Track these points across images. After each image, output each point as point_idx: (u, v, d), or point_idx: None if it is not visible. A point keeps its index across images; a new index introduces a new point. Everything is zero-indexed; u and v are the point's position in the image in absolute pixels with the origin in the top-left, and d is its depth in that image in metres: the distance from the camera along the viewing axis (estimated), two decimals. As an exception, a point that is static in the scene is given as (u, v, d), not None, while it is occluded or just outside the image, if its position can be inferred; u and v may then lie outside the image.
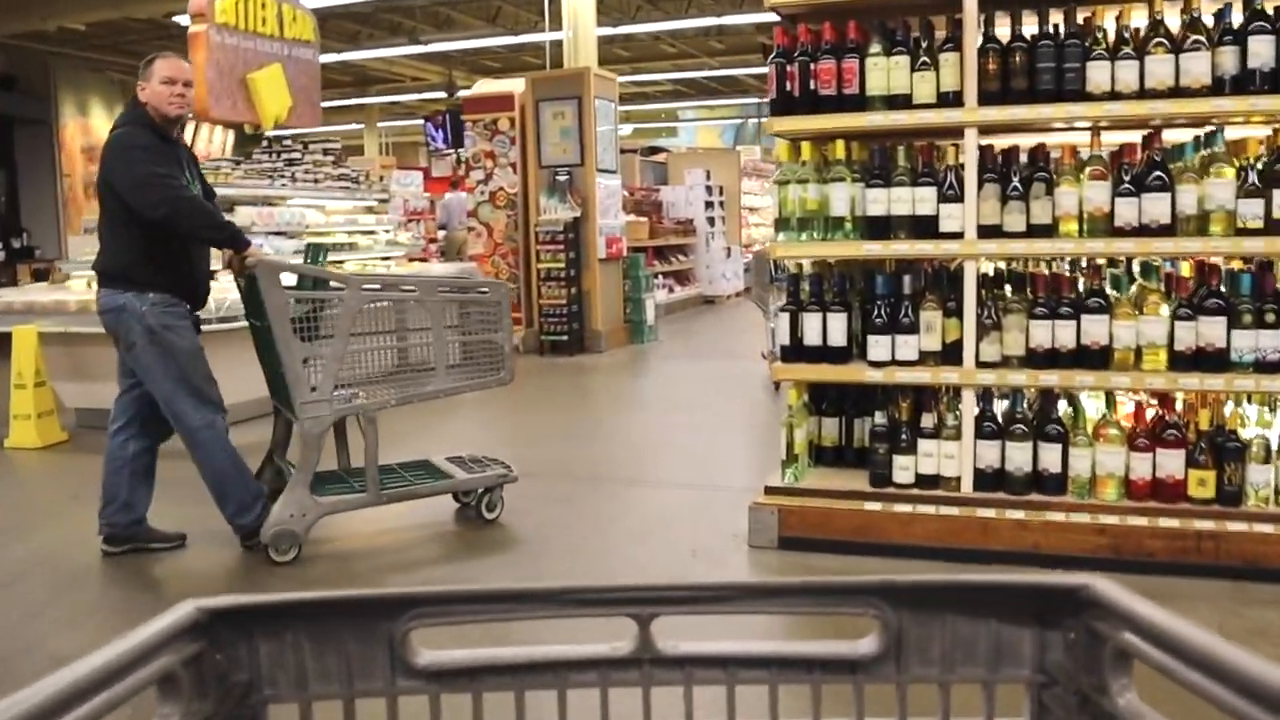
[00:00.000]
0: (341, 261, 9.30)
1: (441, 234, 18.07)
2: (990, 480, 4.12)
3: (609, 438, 7.00)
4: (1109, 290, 4.13)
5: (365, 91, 23.06)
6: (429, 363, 4.43)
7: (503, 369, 4.61)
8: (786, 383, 4.63)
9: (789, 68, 4.45)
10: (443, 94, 21.57)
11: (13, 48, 18.69)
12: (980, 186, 4.10)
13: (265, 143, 9.28)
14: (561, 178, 10.85)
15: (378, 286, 4.66)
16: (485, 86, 11.83)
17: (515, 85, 11.32)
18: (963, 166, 4.17)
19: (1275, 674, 0.55)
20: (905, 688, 0.77)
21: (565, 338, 10.73)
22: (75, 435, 7.09)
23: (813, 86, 4.37)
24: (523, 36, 16.99)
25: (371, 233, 9.86)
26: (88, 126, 20.55)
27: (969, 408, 4.16)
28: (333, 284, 4.40)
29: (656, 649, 0.76)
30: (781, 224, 4.53)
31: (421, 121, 25.25)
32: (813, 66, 4.37)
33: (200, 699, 0.70)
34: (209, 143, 13.35)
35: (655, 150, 20.01)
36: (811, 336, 4.43)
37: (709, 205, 17.40)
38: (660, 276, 14.74)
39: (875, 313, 4.26)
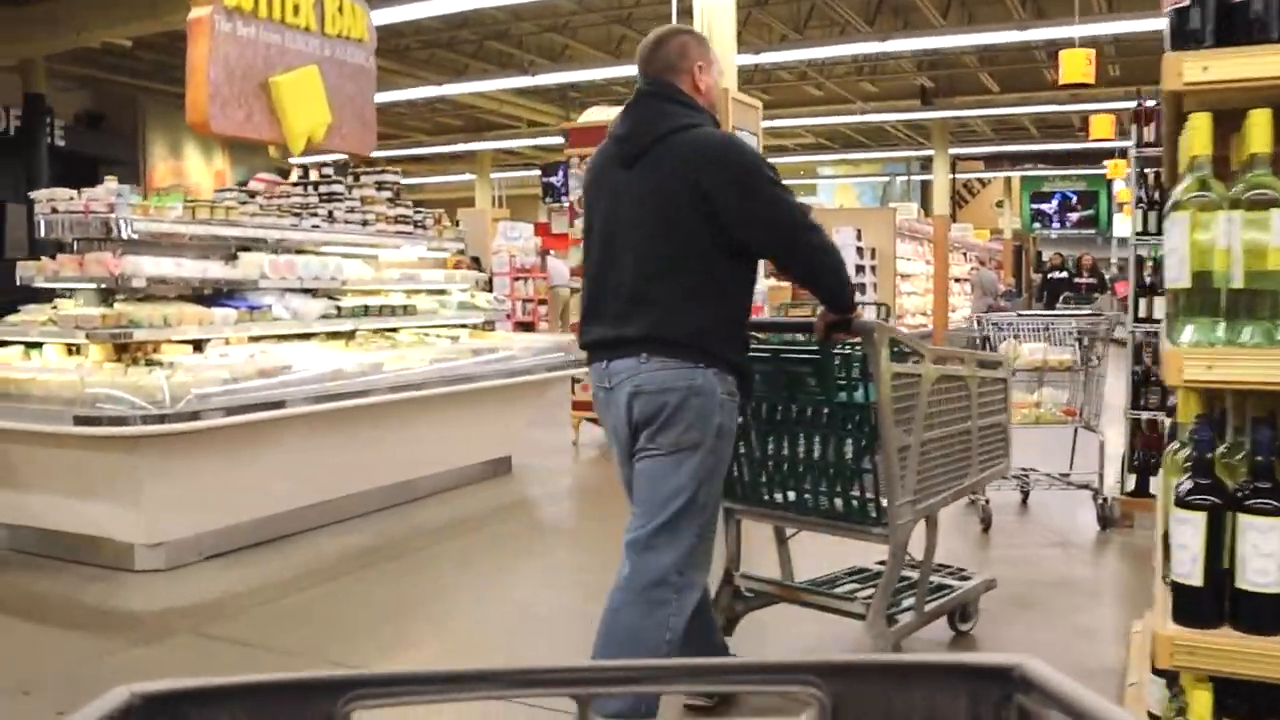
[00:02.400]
0: (394, 330, 6.99)
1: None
2: None
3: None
4: None
5: (478, 137, 21.16)
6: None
7: (1007, 456, 4.01)
8: (1182, 665, 2.05)
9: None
10: (560, 140, 19.46)
11: (99, 83, 17.28)
12: None
13: (301, 171, 7.07)
14: None
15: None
16: (596, 114, 9.51)
17: (634, 111, 8.96)
18: None
19: None
20: None
21: None
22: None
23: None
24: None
25: (440, 293, 7.54)
26: (180, 170, 19.08)
27: None
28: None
29: None
30: (1187, 300, 2.00)
31: (538, 172, 23.41)
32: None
33: None
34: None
35: None
36: (1264, 571, 1.88)
37: (859, 270, 14.89)
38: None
39: None
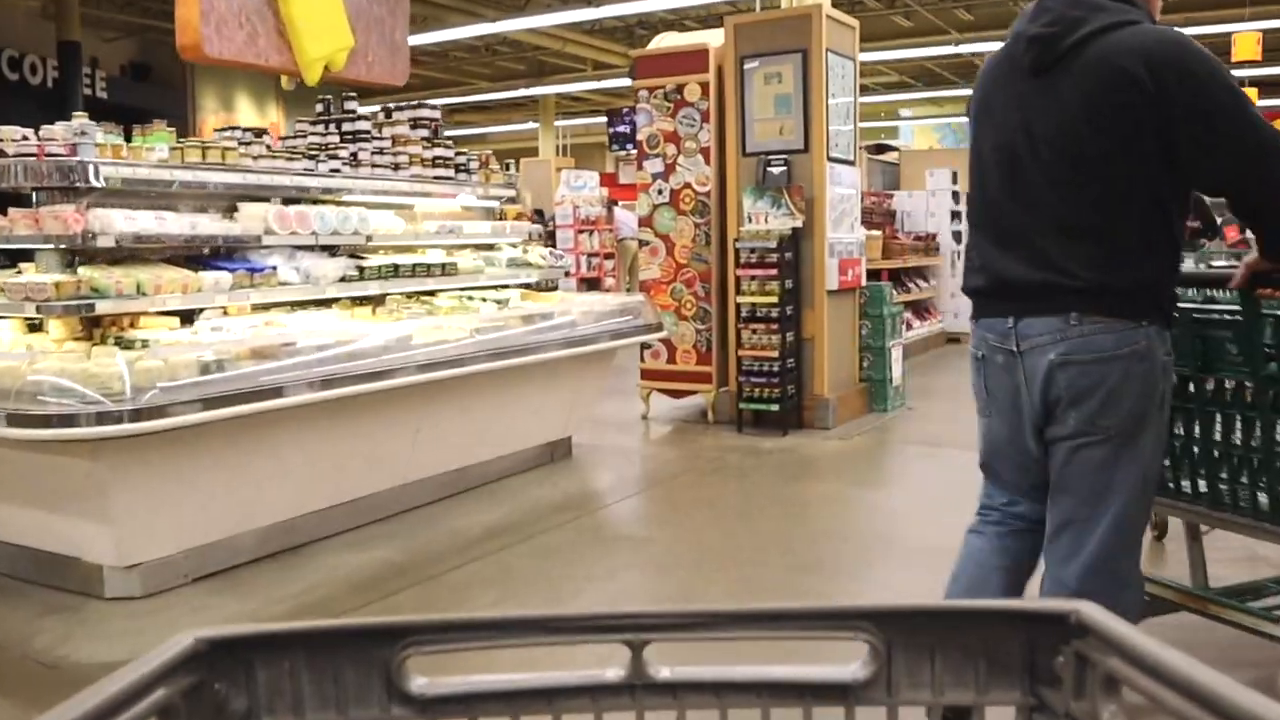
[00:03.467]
0: (432, 293, 5.95)
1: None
2: None
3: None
4: None
5: (540, 81, 19.99)
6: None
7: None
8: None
9: None
10: (628, 81, 18.27)
11: (147, 31, 16.42)
12: None
13: (322, 105, 6.02)
14: (776, 169, 7.22)
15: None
16: (669, 39, 8.33)
17: (711, 37, 7.78)
18: None
19: (1259, 702, 0.55)
20: (896, 711, 0.76)
21: (776, 406, 7.08)
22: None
23: None
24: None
25: (488, 248, 6.48)
26: (232, 123, 18.18)
27: None
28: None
29: (649, 675, 0.75)
30: None
31: (604, 119, 22.17)
32: None
33: None
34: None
35: (883, 148, 16.13)
36: None
37: (955, 216, 13.38)
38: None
39: None
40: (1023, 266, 2.34)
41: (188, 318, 4.63)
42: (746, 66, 7.35)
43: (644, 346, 7.54)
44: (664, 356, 7.78)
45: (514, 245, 6.67)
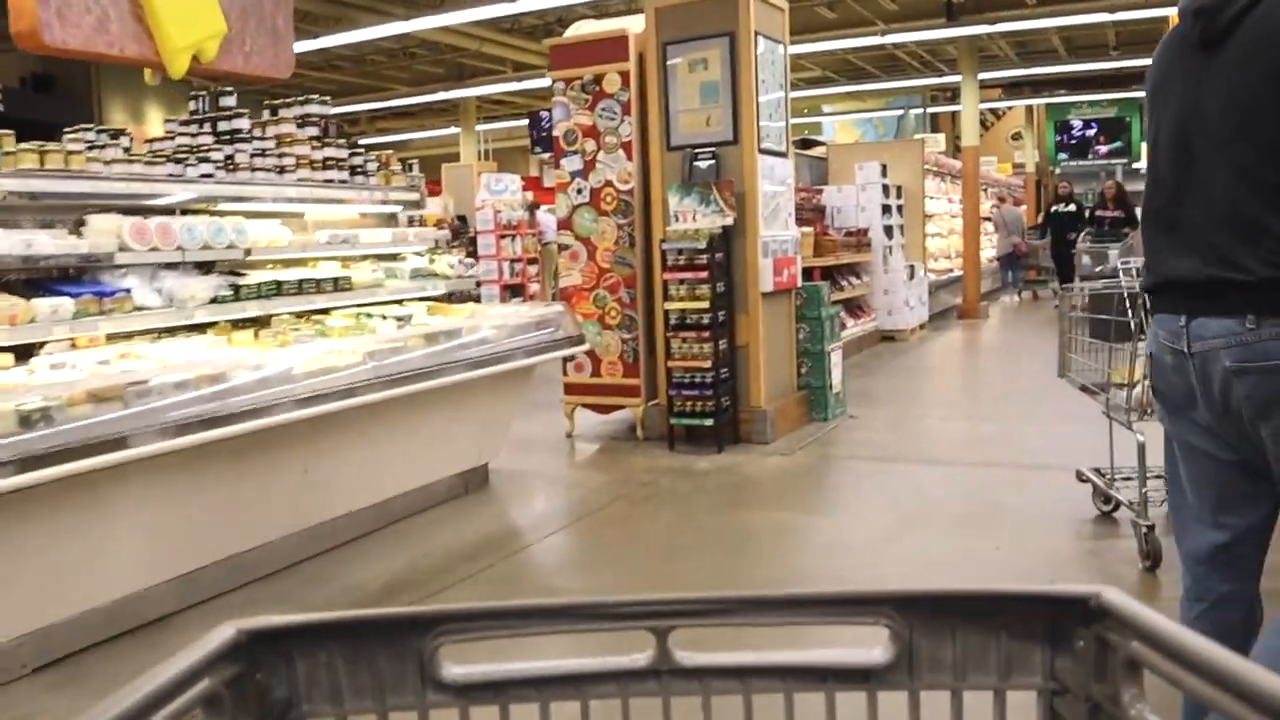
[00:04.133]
0: (325, 311, 5.29)
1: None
2: None
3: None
4: None
5: (460, 85, 19.27)
6: None
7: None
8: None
9: None
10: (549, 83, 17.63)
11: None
12: None
13: (195, 101, 5.33)
14: (703, 164, 6.67)
15: None
16: (586, 27, 7.73)
17: (632, 23, 7.21)
18: None
19: (1277, 683, 0.55)
20: (917, 695, 0.77)
21: (710, 421, 6.52)
22: None
23: None
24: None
25: (390, 258, 5.84)
26: (143, 135, 17.23)
27: None
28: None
29: (674, 661, 0.77)
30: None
31: (526, 122, 21.46)
32: None
33: (242, 717, 0.73)
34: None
35: (810, 143, 15.66)
36: None
37: (886, 210, 12.95)
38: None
39: None
40: (1192, 260, 2.11)
41: (25, 353, 3.94)
42: (670, 54, 6.79)
43: (566, 359, 6.92)
44: (588, 369, 7.17)
45: (419, 254, 6.04)
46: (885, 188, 12.93)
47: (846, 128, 25.74)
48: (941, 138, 20.53)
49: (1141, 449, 4.00)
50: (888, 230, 12.76)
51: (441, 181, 17.34)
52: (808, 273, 9.27)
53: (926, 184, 14.55)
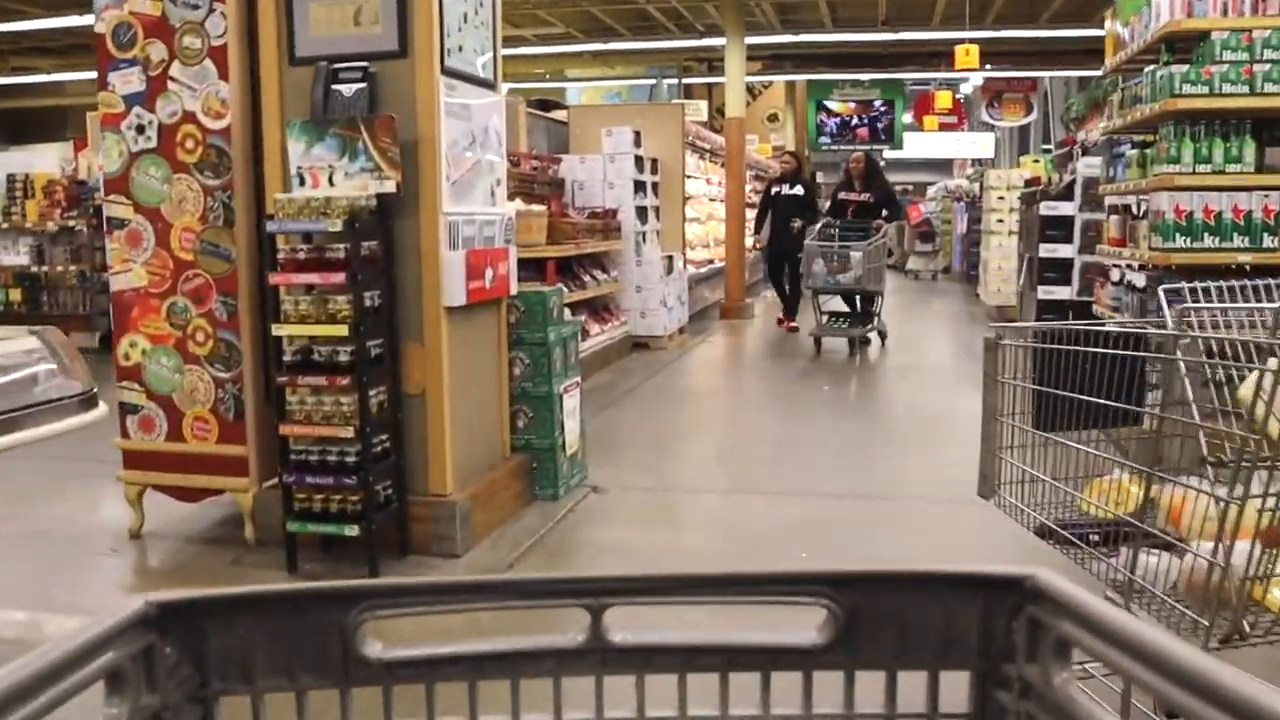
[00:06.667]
0: None
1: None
2: None
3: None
4: None
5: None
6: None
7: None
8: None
9: None
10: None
11: None
12: None
13: None
14: (348, 88, 4.10)
15: None
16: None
17: None
18: None
19: (1204, 661, 0.56)
20: (853, 675, 0.78)
21: (354, 529, 3.94)
22: None
23: None
24: None
25: None
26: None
27: None
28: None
29: (609, 640, 0.75)
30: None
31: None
32: None
33: (149, 693, 0.71)
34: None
35: (549, 105, 12.90)
36: None
37: (639, 188, 10.64)
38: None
39: None
40: None
41: None
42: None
43: (131, 410, 4.47)
44: (161, 429, 4.48)
45: None
46: (639, 160, 10.65)
47: (592, 97, 22.08)
48: (704, 104, 18.38)
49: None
50: (641, 213, 10.62)
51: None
52: (539, 266, 7.83)
53: (687, 160, 12.48)
